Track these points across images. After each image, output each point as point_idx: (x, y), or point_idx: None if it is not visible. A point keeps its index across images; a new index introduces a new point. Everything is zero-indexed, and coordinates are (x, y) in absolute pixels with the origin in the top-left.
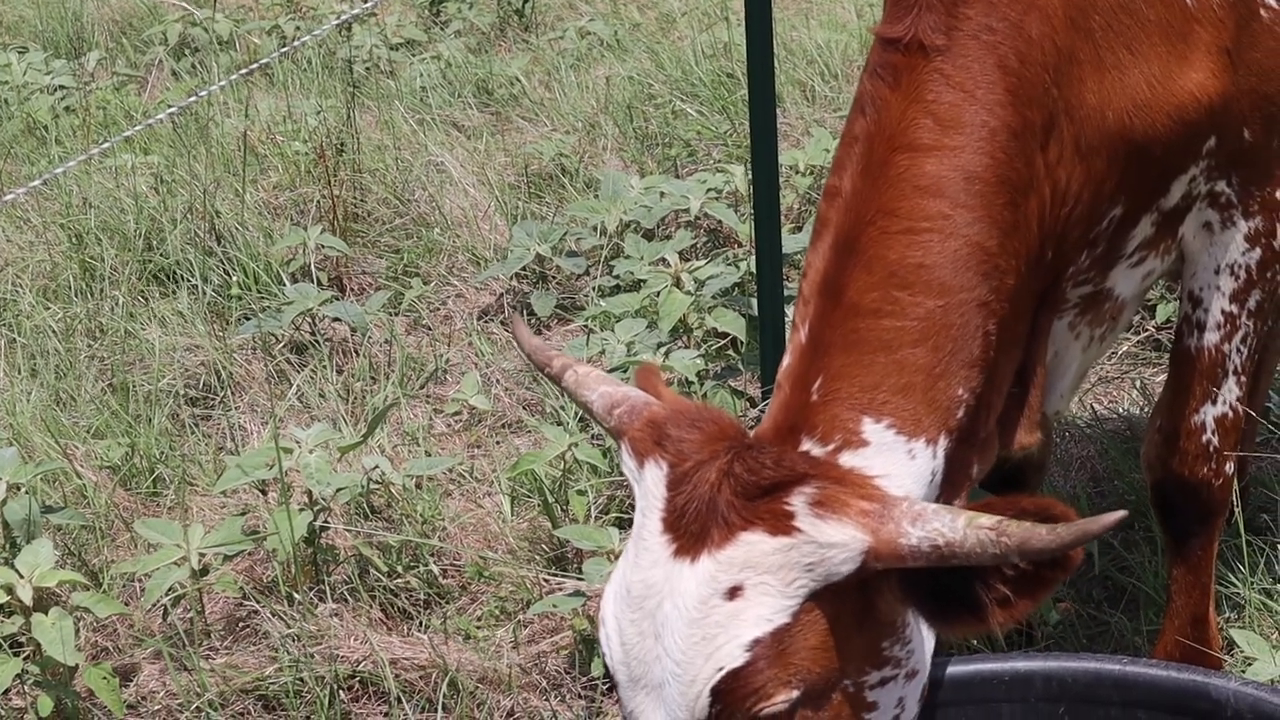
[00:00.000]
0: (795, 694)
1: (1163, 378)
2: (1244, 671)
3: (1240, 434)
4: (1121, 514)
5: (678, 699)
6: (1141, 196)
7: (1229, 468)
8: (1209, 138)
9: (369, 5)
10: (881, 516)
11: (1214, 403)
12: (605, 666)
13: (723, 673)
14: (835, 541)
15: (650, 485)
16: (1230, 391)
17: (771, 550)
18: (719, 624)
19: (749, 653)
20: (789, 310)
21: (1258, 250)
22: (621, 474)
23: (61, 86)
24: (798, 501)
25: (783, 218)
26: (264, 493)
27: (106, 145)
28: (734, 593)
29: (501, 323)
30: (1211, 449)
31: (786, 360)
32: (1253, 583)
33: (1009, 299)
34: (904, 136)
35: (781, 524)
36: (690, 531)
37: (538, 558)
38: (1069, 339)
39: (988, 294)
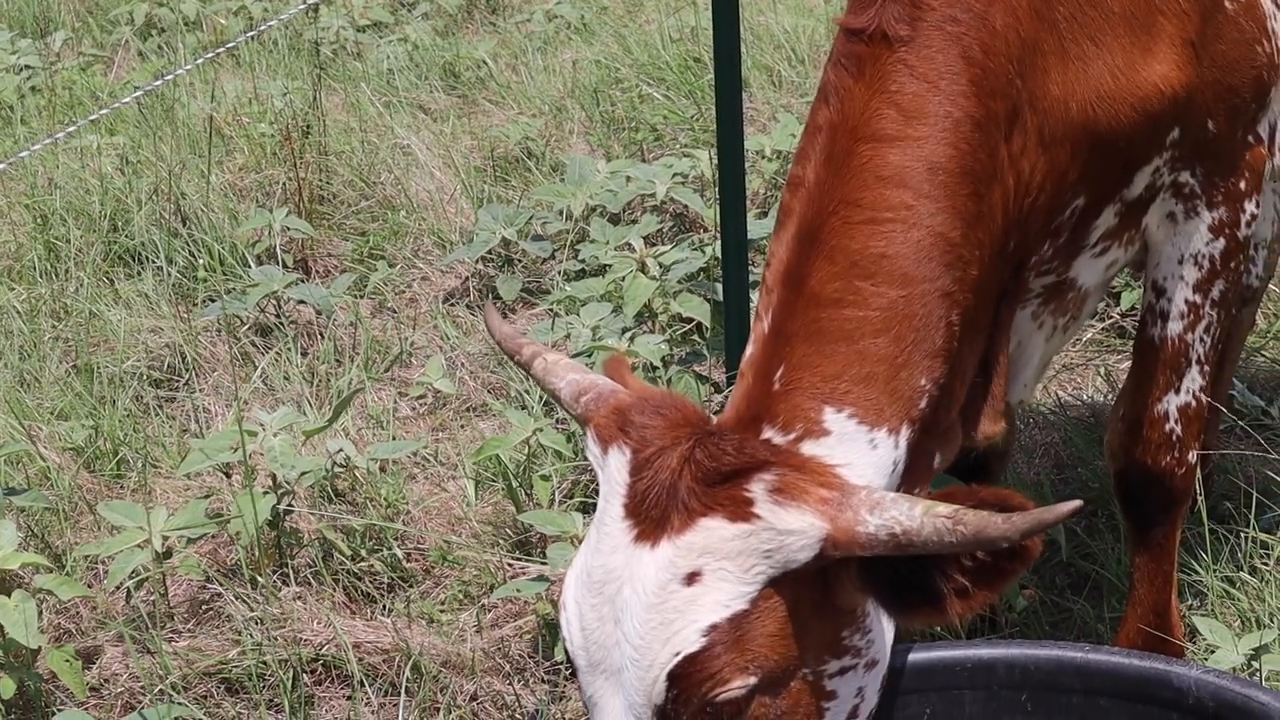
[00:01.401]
0: (752, 680)
1: (1127, 364)
2: (1206, 659)
3: (1204, 423)
4: (1077, 504)
5: (635, 684)
6: (1105, 187)
7: (1192, 456)
8: (1173, 129)
9: None
10: (840, 504)
11: (1177, 392)
12: (566, 651)
13: (679, 657)
14: (793, 528)
15: (613, 471)
16: (1194, 381)
17: (730, 536)
18: (676, 609)
19: (705, 638)
20: (754, 295)
21: (1221, 240)
22: (585, 459)
23: (27, 66)
24: (757, 488)
25: (749, 203)
26: (228, 476)
27: (73, 129)
28: (692, 578)
29: (467, 306)
30: (1175, 438)
31: (750, 349)
32: (1215, 570)
33: (972, 289)
34: (867, 127)
35: (741, 510)
36: (651, 517)
37: (501, 542)
38: (1032, 328)
39: (951, 284)
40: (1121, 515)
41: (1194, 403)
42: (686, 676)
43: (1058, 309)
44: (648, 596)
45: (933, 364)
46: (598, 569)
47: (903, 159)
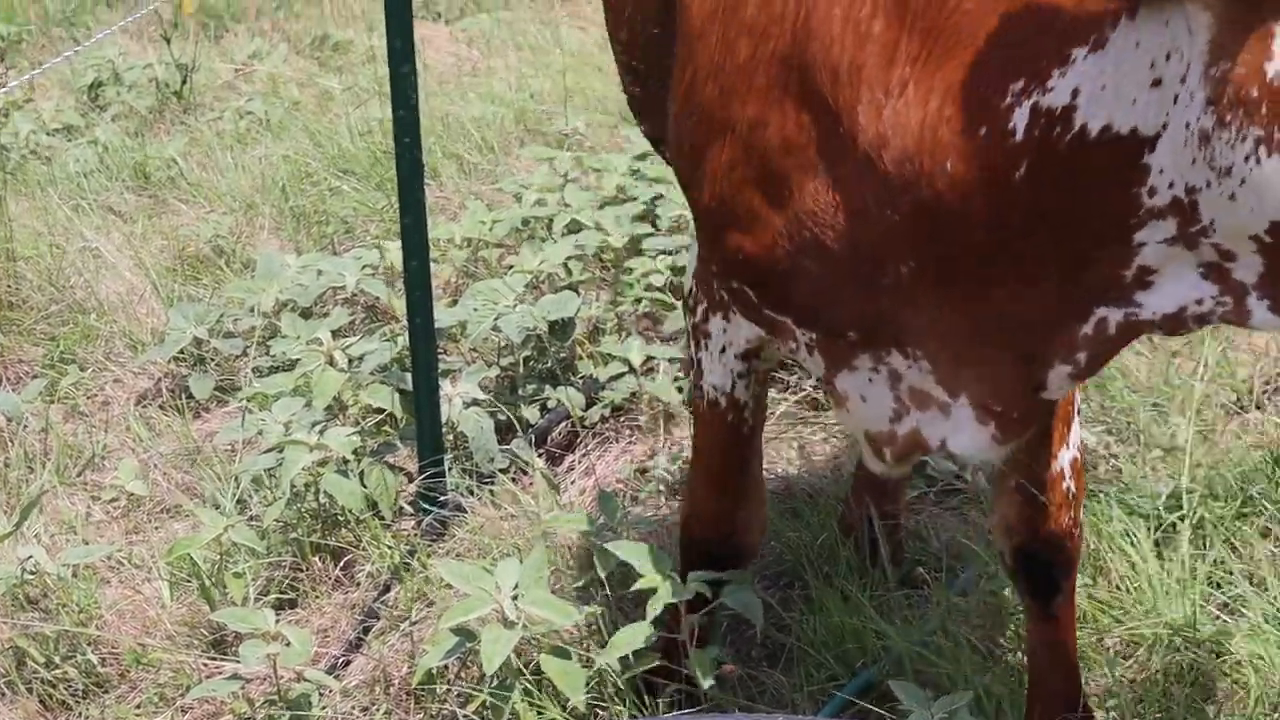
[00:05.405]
0: None
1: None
2: None
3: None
4: None
5: None
6: None
7: (1082, 514)
8: None
9: (9, 87)
10: None
11: (1068, 447)
12: None
13: None
14: None
15: None
16: (1076, 433)
17: None
18: None
19: None
20: (444, 384)
21: None
22: (278, 556)
23: None
24: None
25: (440, 290)
26: None
27: None
28: None
29: (160, 407)
30: (1071, 495)
31: None
32: (909, 635)
33: None
34: None
35: None
36: None
37: (197, 642)
38: None
39: None
40: (1023, 594)
41: (1078, 455)
42: None
43: None
44: None
45: None
46: None
47: None
